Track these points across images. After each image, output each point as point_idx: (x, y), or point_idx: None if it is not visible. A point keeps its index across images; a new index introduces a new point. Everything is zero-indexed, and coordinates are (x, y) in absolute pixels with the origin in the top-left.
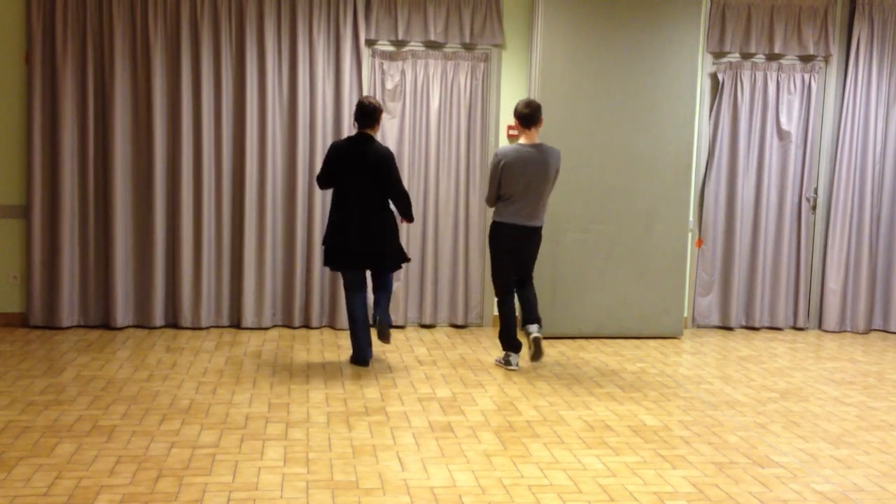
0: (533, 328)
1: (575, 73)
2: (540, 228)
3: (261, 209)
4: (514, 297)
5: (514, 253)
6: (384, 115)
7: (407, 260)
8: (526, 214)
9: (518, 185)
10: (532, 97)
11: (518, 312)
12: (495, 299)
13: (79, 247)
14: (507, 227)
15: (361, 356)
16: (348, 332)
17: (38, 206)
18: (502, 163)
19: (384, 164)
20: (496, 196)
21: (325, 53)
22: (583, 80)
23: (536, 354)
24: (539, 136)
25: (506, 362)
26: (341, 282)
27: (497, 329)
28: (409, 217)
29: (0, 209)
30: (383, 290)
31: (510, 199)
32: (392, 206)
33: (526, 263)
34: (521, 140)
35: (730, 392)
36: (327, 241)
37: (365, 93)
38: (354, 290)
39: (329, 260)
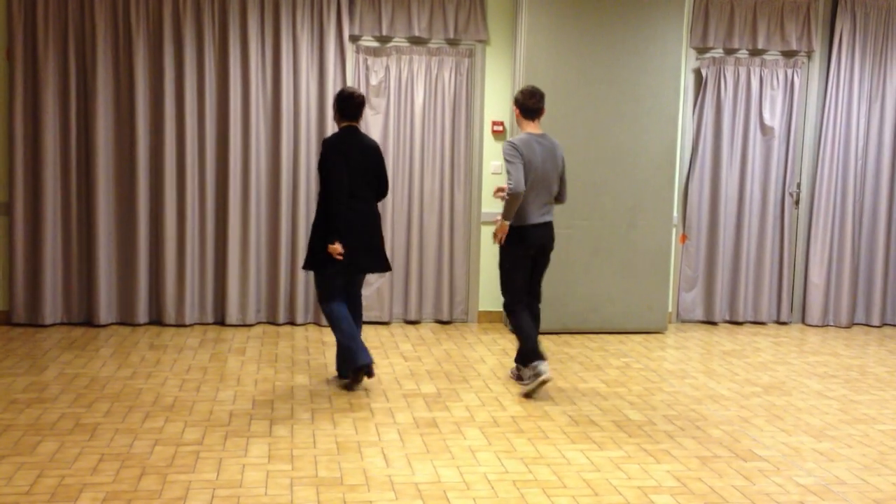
0: (544, 366)
1: (559, 69)
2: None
3: (245, 205)
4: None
5: (534, 258)
6: (369, 111)
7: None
8: (544, 211)
9: (536, 178)
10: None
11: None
12: (507, 318)
13: (61, 244)
14: (532, 228)
15: (365, 359)
16: (336, 334)
17: (20, 202)
18: (523, 153)
19: (380, 157)
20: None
21: (308, 49)
22: (567, 76)
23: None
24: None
25: (535, 375)
26: None
27: (515, 347)
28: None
29: None
30: (358, 315)
31: (529, 197)
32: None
33: (542, 270)
34: (530, 129)
35: (713, 386)
36: (342, 240)
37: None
38: (342, 299)
39: (348, 259)
